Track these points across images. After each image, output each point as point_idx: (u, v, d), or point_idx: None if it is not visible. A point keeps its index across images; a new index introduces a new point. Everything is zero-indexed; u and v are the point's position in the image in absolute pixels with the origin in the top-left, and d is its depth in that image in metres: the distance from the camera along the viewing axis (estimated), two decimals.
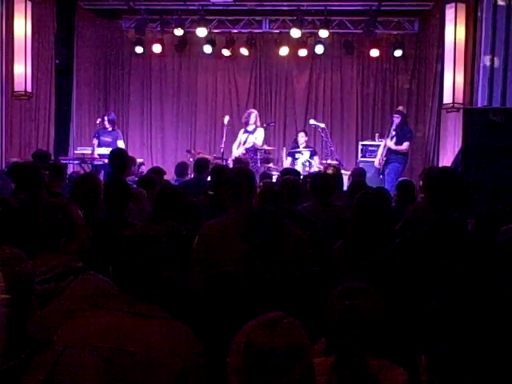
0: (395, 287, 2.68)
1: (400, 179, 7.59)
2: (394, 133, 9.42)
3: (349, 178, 7.69)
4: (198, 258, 3.20)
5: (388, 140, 9.33)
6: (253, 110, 10.14)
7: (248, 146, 9.70)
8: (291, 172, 6.18)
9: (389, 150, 9.33)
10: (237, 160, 8.38)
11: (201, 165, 6.81)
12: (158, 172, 6.34)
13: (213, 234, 3.24)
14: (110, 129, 9.65)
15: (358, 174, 7.50)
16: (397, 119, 9.53)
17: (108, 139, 9.55)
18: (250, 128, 9.83)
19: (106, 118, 9.68)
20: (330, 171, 6.14)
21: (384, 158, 9.35)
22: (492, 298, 2.03)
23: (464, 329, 1.66)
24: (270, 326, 1.49)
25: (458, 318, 1.69)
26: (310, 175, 6.48)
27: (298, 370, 1.46)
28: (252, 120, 9.83)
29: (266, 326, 1.50)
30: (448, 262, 2.59)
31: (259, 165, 9.38)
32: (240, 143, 9.85)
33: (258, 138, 9.77)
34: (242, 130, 9.97)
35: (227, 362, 1.51)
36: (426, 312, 1.78)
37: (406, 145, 9.35)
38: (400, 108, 10.10)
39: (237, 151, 9.77)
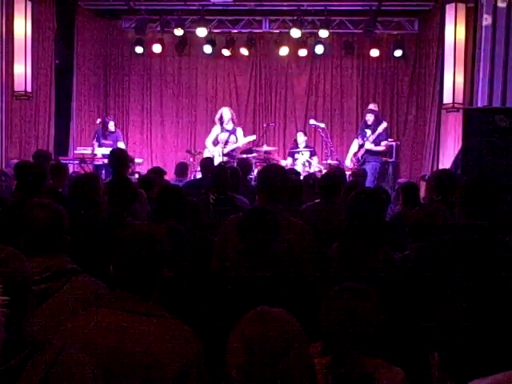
0: (419, 287, 2.67)
1: (402, 181, 7.63)
2: (369, 132, 9.58)
3: (348, 178, 7.69)
4: (216, 250, 3.22)
5: (367, 142, 9.49)
6: (225, 108, 9.99)
7: (232, 147, 9.59)
8: (293, 173, 6.20)
9: (366, 151, 9.50)
10: (241, 160, 8.33)
11: (206, 165, 6.80)
12: (158, 172, 6.33)
13: (227, 229, 3.25)
14: (113, 128, 9.76)
15: (358, 174, 7.51)
16: (370, 117, 9.70)
17: (109, 142, 9.61)
18: (229, 126, 9.66)
19: (109, 122, 9.78)
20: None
21: (361, 160, 9.49)
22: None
23: (477, 327, 1.66)
24: (260, 318, 1.56)
25: (473, 315, 1.70)
26: (312, 175, 6.49)
27: (293, 356, 1.51)
28: (227, 117, 9.66)
29: (257, 317, 1.56)
30: (477, 267, 2.57)
31: (255, 164, 9.35)
32: (217, 141, 9.67)
33: (239, 139, 9.63)
34: (219, 128, 9.73)
35: (225, 357, 1.56)
36: (441, 310, 1.79)
37: (384, 144, 9.64)
38: (372, 106, 10.20)
39: (215, 149, 9.55)
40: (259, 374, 1.48)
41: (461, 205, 2.82)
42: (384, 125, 9.70)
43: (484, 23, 8.09)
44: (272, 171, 3.48)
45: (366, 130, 9.76)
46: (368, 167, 9.36)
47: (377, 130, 9.59)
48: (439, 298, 2.48)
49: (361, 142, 9.73)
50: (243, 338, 1.53)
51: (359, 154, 9.60)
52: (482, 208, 2.73)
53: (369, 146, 9.50)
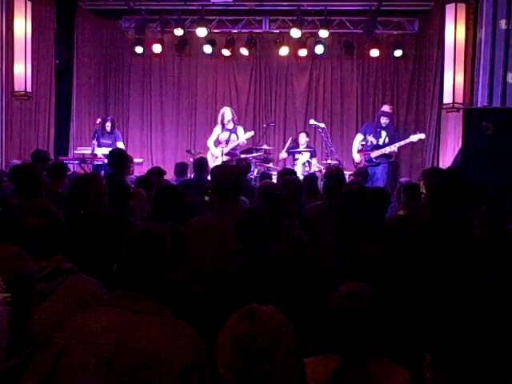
0: (393, 285, 2.69)
1: (403, 180, 7.63)
2: (384, 134, 9.51)
3: (349, 178, 7.69)
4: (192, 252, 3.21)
5: (388, 147, 9.40)
6: (227, 108, 10.01)
7: (232, 145, 9.60)
8: (290, 172, 6.18)
9: (383, 155, 9.44)
10: (240, 161, 8.34)
11: (199, 164, 6.83)
12: (157, 172, 6.32)
13: (195, 231, 3.25)
14: (109, 129, 9.75)
15: (358, 174, 7.51)
16: (386, 121, 9.63)
17: (108, 141, 9.62)
18: (230, 126, 9.70)
19: (106, 122, 9.78)
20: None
21: (375, 161, 9.41)
22: (496, 296, 2.04)
23: (468, 327, 1.66)
24: (248, 316, 1.55)
25: (463, 316, 1.70)
26: (311, 175, 6.49)
27: (280, 356, 1.50)
28: (228, 118, 9.68)
29: (246, 316, 1.56)
30: (448, 261, 2.59)
31: (255, 164, 9.35)
32: (219, 141, 9.72)
33: (240, 137, 9.66)
34: (219, 128, 9.79)
35: (215, 355, 1.55)
36: (431, 311, 1.79)
37: (395, 145, 9.56)
38: (386, 108, 10.04)
39: (217, 149, 9.58)
40: (245, 372, 1.48)
41: (426, 202, 2.86)
42: (421, 136, 9.46)
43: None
44: (223, 172, 3.52)
45: (382, 132, 9.58)
46: (379, 169, 9.32)
47: (402, 138, 9.47)
48: (412, 295, 2.51)
49: (375, 141, 9.54)
50: (231, 336, 1.53)
51: (373, 155, 9.43)
52: (446, 204, 2.75)
53: (389, 149, 9.41)
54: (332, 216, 4.46)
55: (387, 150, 9.40)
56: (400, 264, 2.80)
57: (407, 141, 9.46)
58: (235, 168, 3.76)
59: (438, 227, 2.76)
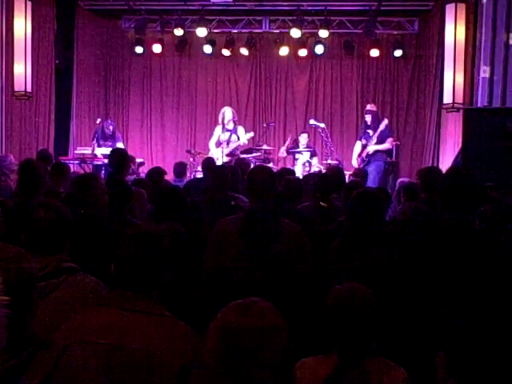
0: (404, 286, 2.68)
1: (402, 180, 7.62)
2: (371, 132, 9.57)
3: (349, 178, 7.69)
4: (210, 253, 3.17)
5: (371, 146, 9.49)
6: (227, 107, 10.01)
7: (233, 146, 9.62)
8: (290, 172, 6.18)
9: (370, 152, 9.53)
10: (239, 160, 8.33)
11: (208, 164, 6.84)
12: (156, 173, 6.30)
13: (224, 230, 3.21)
14: (109, 132, 9.77)
15: (358, 174, 7.51)
16: (368, 118, 9.71)
17: (107, 143, 9.64)
18: (230, 126, 9.70)
19: (108, 126, 9.81)
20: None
21: (365, 160, 9.50)
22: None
23: (482, 327, 1.66)
24: (242, 309, 1.53)
25: (477, 316, 1.70)
26: (311, 175, 6.49)
27: (270, 350, 1.48)
28: (228, 117, 9.68)
29: (240, 308, 1.54)
30: (461, 261, 2.58)
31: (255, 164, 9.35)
32: (220, 142, 9.73)
33: (241, 137, 9.66)
34: (220, 128, 9.79)
35: (204, 345, 1.54)
36: (445, 311, 1.79)
37: (389, 141, 9.69)
38: (368, 107, 10.17)
39: (217, 150, 9.57)
40: (230, 363, 1.46)
41: (440, 200, 2.84)
42: (385, 122, 9.69)
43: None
44: (261, 173, 3.46)
45: (368, 131, 9.76)
46: (372, 167, 9.37)
47: (378, 128, 9.60)
48: (426, 297, 2.50)
49: (364, 142, 9.72)
50: (221, 325, 1.51)
51: (363, 155, 9.61)
52: (461, 201, 2.73)
53: (372, 148, 9.49)
54: (324, 216, 4.47)
55: (370, 148, 9.46)
56: (410, 266, 2.78)
57: (378, 131, 9.55)
58: (271, 170, 3.70)
59: (450, 228, 2.74)
